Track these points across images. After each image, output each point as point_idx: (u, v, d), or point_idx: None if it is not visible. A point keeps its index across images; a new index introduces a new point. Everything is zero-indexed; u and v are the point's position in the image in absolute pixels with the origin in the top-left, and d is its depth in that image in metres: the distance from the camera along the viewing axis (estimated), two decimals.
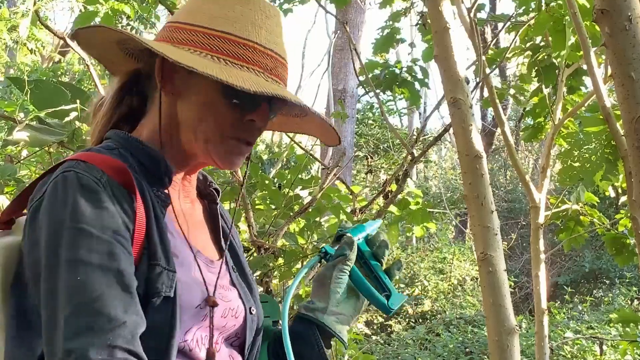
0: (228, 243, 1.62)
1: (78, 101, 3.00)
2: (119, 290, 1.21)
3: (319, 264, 1.71)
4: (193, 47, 1.39)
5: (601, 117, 3.11)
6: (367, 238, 1.66)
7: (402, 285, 14.30)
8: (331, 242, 1.66)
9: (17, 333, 1.29)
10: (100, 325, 1.16)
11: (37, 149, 3.59)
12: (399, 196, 4.17)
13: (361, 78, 4.75)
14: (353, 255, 1.57)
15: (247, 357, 1.53)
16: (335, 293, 1.55)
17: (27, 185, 1.42)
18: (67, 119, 3.00)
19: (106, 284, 1.19)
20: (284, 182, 4.14)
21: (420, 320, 13.94)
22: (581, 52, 3.48)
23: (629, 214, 3.53)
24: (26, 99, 3.11)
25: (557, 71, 4.17)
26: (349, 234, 1.60)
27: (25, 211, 1.39)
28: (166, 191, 1.43)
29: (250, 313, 1.52)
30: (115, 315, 1.18)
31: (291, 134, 4.45)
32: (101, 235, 1.22)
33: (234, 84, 1.29)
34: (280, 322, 1.66)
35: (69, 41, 3.57)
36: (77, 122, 3.08)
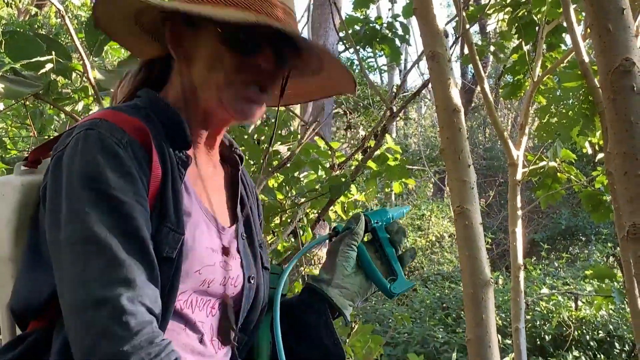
0: (245, 211, 1.63)
1: (54, 53, 2.96)
2: (142, 256, 1.24)
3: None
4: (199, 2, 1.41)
5: (579, 72, 3.12)
6: (388, 223, 1.69)
7: None
8: (346, 221, 1.69)
9: (30, 266, 1.32)
10: (133, 281, 1.19)
11: (13, 101, 3.56)
12: (378, 152, 4.17)
13: (341, 34, 4.71)
14: (360, 230, 1.61)
15: (243, 324, 1.54)
16: (341, 267, 1.59)
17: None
18: (42, 70, 2.96)
19: (131, 249, 1.22)
20: (263, 137, 4.12)
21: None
22: (561, 9, 3.48)
23: (605, 171, 3.56)
24: (1, 50, 3.07)
25: (537, 28, 4.17)
26: (369, 224, 1.65)
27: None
28: (188, 152, 1.44)
29: (249, 282, 1.53)
30: (142, 278, 1.21)
31: None
32: (124, 198, 1.25)
33: (217, 17, 1.32)
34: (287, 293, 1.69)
35: None
36: (52, 75, 3.05)
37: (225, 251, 1.47)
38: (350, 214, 4.75)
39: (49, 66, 2.97)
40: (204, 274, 1.39)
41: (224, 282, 1.45)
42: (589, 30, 3.58)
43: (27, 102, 3.47)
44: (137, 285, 1.19)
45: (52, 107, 3.38)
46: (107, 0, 1.45)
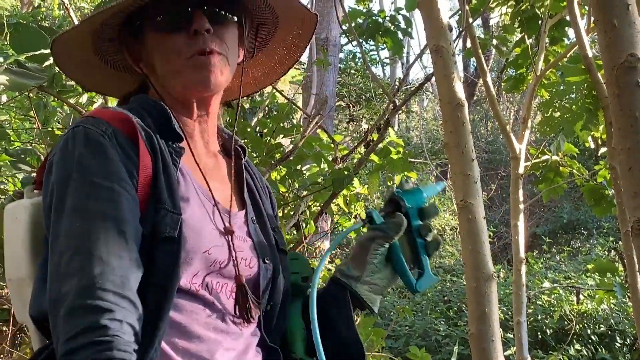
0: (253, 197, 1.66)
1: None
2: (115, 236, 1.25)
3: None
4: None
5: (583, 67, 3.12)
6: (421, 206, 1.60)
7: None
8: (383, 204, 1.61)
9: (44, 274, 1.33)
10: (90, 269, 1.20)
11: (17, 93, 3.56)
12: (380, 145, 4.17)
13: (344, 27, 4.71)
14: (396, 235, 1.56)
15: (268, 307, 1.55)
16: (372, 264, 1.57)
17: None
18: (46, 63, 2.96)
19: (104, 230, 1.24)
20: (266, 130, 4.12)
21: None
22: (564, 3, 3.47)
23: (608, 165, 3.56)
24: (5, 42, 3.07)
25: (540, 22, 4.16)
26: (403, 207, 1.57)
27: None
28: (181, 144, 1.48)
29: (264, 262, 1.54)
30: (106, 259, 1.22)
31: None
32: (104, 183, 1.28)
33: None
34: (310, 276, 1.66)
35: None
36: (56, 67, 3.05)
37: (233, 233, 1.48)
38: (353, 207, 4.76)
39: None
40: (214, 254, 1.41)
41: (236, 264, 1.46)
42: (592, 24, 3.58)
43: (31, 95, 3.47)
44: (96, 272, 1.20)
45: (56, 99, 3.38)
46: (63, 45, 1.52)
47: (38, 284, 1.36)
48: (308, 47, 1.87)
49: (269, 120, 4.20)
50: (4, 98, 3.66)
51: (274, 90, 4.83)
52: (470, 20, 3.85)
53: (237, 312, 1.46)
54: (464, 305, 9.96)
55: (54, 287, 1.21)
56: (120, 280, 1.22)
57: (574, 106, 3.17)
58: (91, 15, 1.44)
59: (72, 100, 3.38)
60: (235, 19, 1.56)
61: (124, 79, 1.66)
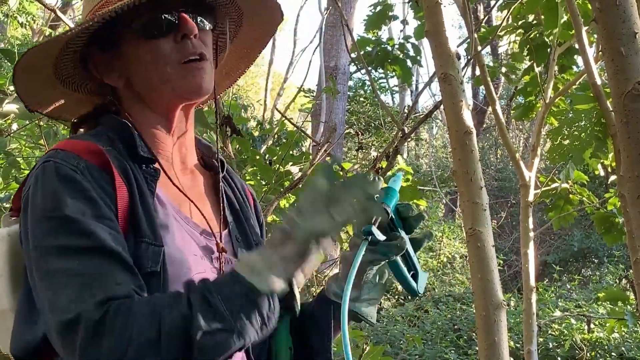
0: (234, 213, 1.61)
1: None
2: (109, 265, 1.22)
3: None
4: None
5: (591, 95, 3.11)
6: (396, 202, 1.48)
7: None
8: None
9: (25, 309, 1.31)
10: (94, 289, 1.19)
11: (27, 121, 3.58)
12: (389, 173, 4.17)
13: (353, 55, 4.74)
14: (395, 256, 1.45)
15: None
16: (368, 283, 1.50)
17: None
18: None
19: (98, 263, 1.22)
20: (275, 158, 4.13)
21: (409, 298, 14.00)
22: (573, 31, 3.48)
23: (617, 193, 3.55)
24: None
25: (548, 50, 4.17)
26: (401, 238, 1.44)
27: None
28: (155, 166, 1.44)
29: None
30: (112, 281, 1.21)
31: (282, 110, 4.44)
32: (83, 219, 1.24)
33: (118, 8, 1.33)
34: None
35: (59, 14, 3.54)
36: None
37: (216, 256, 1.45)
38: None
39: None
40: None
41: None
42: (600, 52, 3.59)
43: (41, 123, 3.49)
44: (101, 290, 1.18)
45: (65, 127, 3.40)
46: (27, 69, 1.44)
47: (20, 319, 1.33)
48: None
49: (278, 148, 4.21)
50: (15, 126, 3.68)
51: (283, 119, 4.84)
52: (479, 48, 3.86)
53: None
54: (474, 334, 9.89)
55: (57, 320, 1.18)
56: (127, 290, 1.22)
57: (583, 134, 3.16)
58: (70, 29, 1.39)
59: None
60: (212, 25, 1.54)
61: (80, 101, 1.58)
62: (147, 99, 1.48)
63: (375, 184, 1.31)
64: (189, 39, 1.43)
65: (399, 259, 1.49)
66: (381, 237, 1.39)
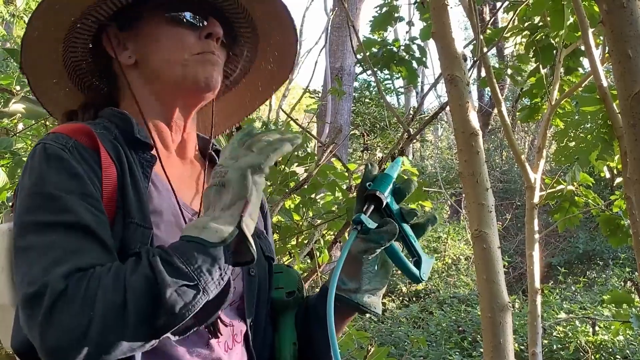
0: None
1: None
2: (88, 241, 1.22)
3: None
4: None
5: (598, 97, 3.11)
6: (395, 189, 1.48)
7: None
8: (356, 200, 1.50)
9: None
10: (62, 262, 1.18)
11: (33, 121, 3.59)
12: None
13: (359, 56, 4.73)
14: (389, 242, 1.44)
15: (252, 321, 1.52)
16: (368, 273, 1.50)
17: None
18: None
19: (74, 239, 1.21)
20: (280, 158, 4.13)
21: (414, 299, 14.00)
22: (579, 33, 3.47)
23: (623, 195, 3.54)
24: None
25: (554, 51, 4.17)
26: (383, 199, 1.43)
27: None
28: (152, 152, 1.45)
29: (250, 275, 1.51)
30: (87, 257, 1.20)
31: (287, 111, 4.44)
32: (65, 196, 1.24)
33: None
34: (296, 291, 1.60)
35: None
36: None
37: None
38: None
39: None
40: None
41: None
42: (607, 54, 3.58)
43: (47, 122, 3.49)
44: (73, 261, 1.18)
45: None
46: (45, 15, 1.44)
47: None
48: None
49: None
50: (21, 126, 3.68)
51: (289, 120, 4.84)
52: (485, 49, 3.86)
53: (231, 335, 1.44)
54: (478, 336, 9.89)
55: (23, 291, 1.17)
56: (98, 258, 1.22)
57: (589, 136, 3.15)
58: None
59: None
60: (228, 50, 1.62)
61: (72, 96, 1.62)
62: (154, 82, 1.51)
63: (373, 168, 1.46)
64: (212, 39, 1.50)
65: (396, 245, 1.48)
66: (372, 225, 1.40)
